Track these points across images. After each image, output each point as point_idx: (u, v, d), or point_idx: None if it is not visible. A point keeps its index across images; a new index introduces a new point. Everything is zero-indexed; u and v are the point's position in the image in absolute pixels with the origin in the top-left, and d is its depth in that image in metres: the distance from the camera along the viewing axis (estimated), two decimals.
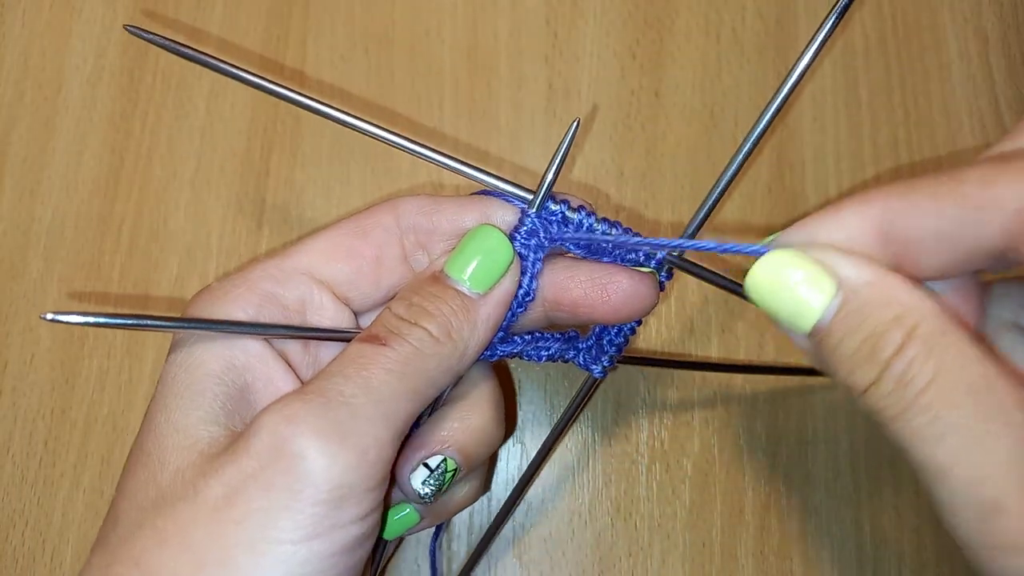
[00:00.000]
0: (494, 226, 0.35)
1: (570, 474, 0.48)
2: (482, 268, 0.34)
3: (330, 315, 0.35)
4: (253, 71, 0.35)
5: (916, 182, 0.27)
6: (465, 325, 0.33)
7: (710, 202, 0.35)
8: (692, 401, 0.49)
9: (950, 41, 0.55)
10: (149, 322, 0.30)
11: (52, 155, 0.52)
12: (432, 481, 0.35)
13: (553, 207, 0.35)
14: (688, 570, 0.46)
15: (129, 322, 0.30)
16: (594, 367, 0.39)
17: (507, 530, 0.47)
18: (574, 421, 0.43)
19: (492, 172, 0.36)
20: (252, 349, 0.33)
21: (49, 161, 0.52)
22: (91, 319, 0.28)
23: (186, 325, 0.32)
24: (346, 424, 0.29)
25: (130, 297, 0.50)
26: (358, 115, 0.35)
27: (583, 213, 0.36)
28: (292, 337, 0.34)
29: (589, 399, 0.42)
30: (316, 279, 0.35)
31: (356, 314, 0.37)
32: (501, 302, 0.35)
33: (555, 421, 0.47)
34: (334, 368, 0.31)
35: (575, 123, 0.33)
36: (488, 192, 0.37)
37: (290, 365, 0.34)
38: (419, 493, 0.35)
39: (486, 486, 0.46)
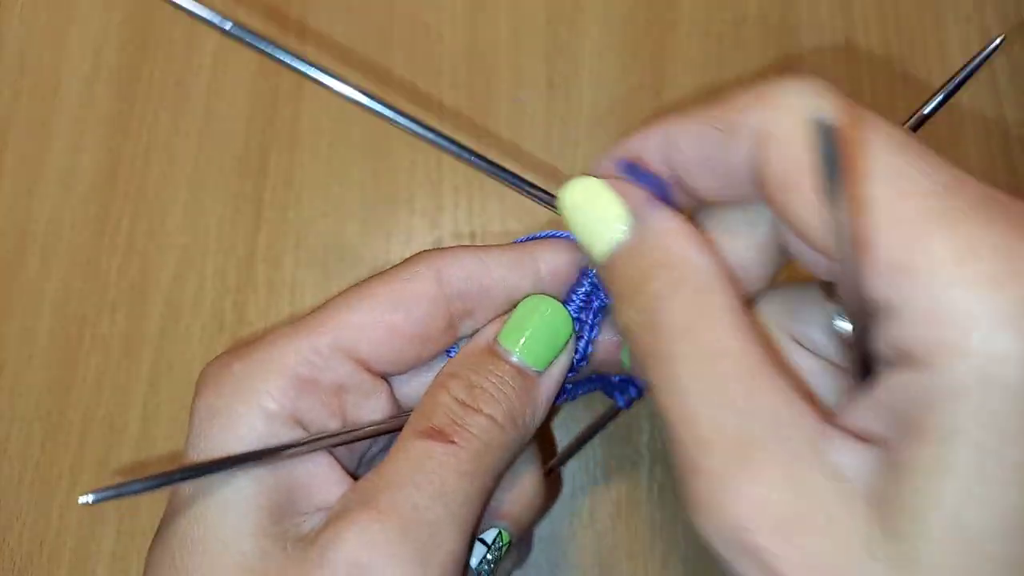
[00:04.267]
0: (552, 297, 0.33)
1: (570, 475, 0.48)
2: (541, 344, 0.32)
3: (366, 392, 0.32)
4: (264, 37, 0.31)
5: (697, 109, 0.28)
6: (527, 407, 0.31)
7: None
8: None
9: (952, 40, 0.55)
10: (194, 472, 0.27)
11: (49, 154, 0.52)
12: (490, 557, 0.32)
13: None
14: (690, 573, 0.46)
15: (177, 478, 0.26)
16: (620, 396, 0.38)
17: None
18: (583, 446, 0.43)
19: (517, 175, 0.33)
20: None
21: (46, 160, 0.51)
22: (148, 484, 0.25)
23: (237, 464, 0.28)
24: (427, 546, 0.27)
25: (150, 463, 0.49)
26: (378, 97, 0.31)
27: None
28: (346, 443, 0.31)
29: (605, 425, 0.42)
30: (355, 358, 0.31)
31: (389, 379, 0.34)
32: (559, 379, 0.33)
33: (558, 423, 0.47)
34: (402, 475, 0.28)
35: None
36: (542, 235, 0.35)
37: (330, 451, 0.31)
38: (477, 573, 0.32)
39: (527, 553, 0.45)
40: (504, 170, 0.34)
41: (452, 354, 0.35)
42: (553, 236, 0.34)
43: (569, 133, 0.53)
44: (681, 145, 0.28)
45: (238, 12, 0.54)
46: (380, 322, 0.31)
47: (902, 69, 0.54)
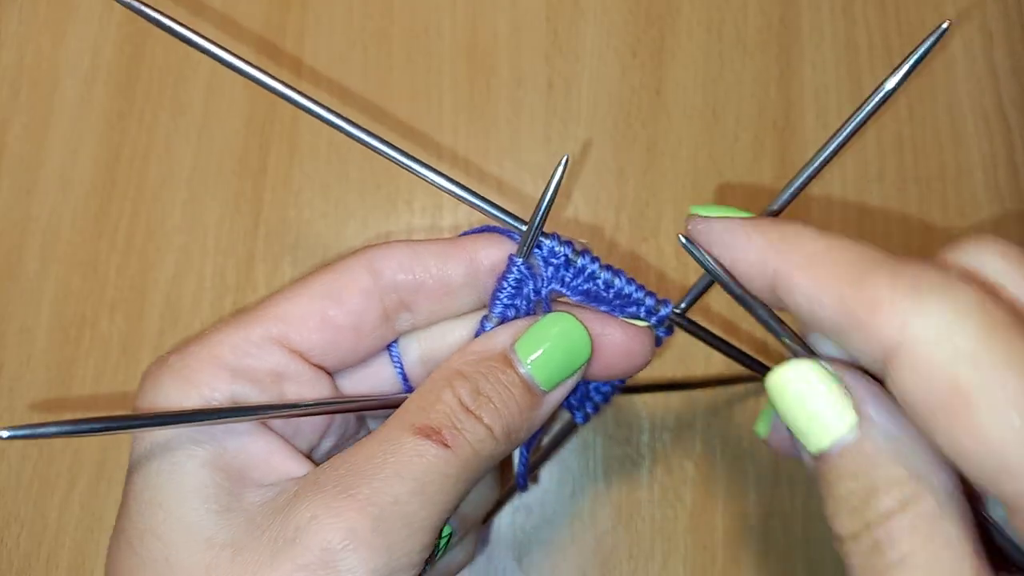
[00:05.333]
0: (576, 319, 0.32)
1: (571, 477, 0.47)
2: (555, 363, 0.32)
3: (307, 381, 0.32)
4: (252, 63, 0.32)
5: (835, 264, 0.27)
6: (525, 425, 0.31)
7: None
8: (694, 403, 0.48)
9: (954, 38, 0.55)
10: (144, 421, 0.27)
11: (48, 154, 0.51)
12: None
13: (557, 248, 0.32)
14: (690, 573, 0.46)
15: (113, 425, 0.26)
16: (577, 412, 0.38)
17: (507, 533, 0.47)
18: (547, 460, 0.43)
19: (486, 199, 0.32)
20: (240, 428, 0.30)
21: (46, 160, 0.51)
22: (65, 428, 0.25)
23: (179, 419, 0.29)
24: (398, 538, 0.28)
25: (106, 397, 0.49)
26: (358, 124, 0.32)
27: (587, 258, 0.33)
28: (335, 412, 0.31)
29: (567, 441, 0.41)
30: (288, 348, 0.32)
31: (333, 375, 0.34)
32: (560, 401, 0.32)
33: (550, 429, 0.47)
34: (387, 467, 0.28)
35: (564, 160, 0.30)
36: (479, 229, 0.34)
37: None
38: None
39: (479, 549, 0.45)
40: (496, 206, 0.33)
41: (393, 350, 0.35)
42: (489, 230, 0.34)
43: (569, 133, 0.52)
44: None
45: (237, 10, 0.54)
46: (312, 313, 0.32)
47: None
